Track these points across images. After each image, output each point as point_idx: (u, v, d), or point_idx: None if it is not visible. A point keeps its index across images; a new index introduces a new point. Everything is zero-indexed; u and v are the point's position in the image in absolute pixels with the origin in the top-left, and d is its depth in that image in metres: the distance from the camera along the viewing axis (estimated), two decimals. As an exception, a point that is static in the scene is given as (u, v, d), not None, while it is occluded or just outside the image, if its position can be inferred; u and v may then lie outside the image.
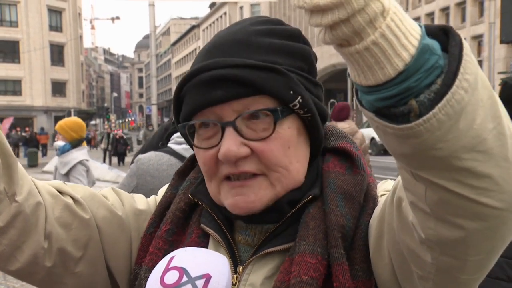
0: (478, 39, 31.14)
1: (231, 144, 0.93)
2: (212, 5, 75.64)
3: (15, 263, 0.99)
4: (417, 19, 35.13)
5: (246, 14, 58.62)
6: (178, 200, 1.11)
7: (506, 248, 0.79)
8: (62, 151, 5.04)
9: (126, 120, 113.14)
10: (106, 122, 59.31)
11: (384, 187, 1.06)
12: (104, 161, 25.06)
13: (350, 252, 0.94)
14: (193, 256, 0.92)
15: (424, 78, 0.66)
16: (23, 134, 35.03)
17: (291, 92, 0.94)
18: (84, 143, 5.40)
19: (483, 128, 0.66)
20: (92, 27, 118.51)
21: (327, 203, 0.96)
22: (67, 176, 4.94)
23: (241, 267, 1.00)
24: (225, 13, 67.61)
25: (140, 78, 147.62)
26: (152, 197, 1.23)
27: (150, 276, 0.91)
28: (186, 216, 1.10)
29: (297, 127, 0.98)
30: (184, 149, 2.76)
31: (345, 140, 1.06)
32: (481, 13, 30.83)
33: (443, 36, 0.68)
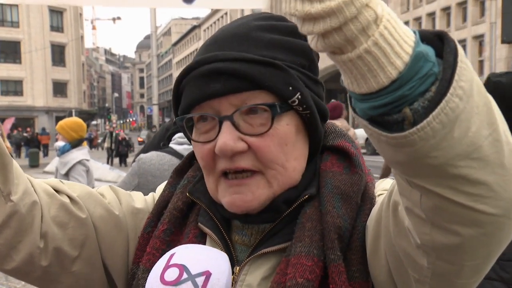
0: (479, 39, 31.09)
1: (228, 138, 0.93)
2: (213, 5, 75.60)
3: (11, 263, 0.99)
4: (418, 19, 35.15)
5: (247, 14, 58.48)
6: (176, 199, 1.10)
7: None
8: (62, 151, 5.05)
9: (127, 120, 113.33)
10: (107, 123, 59.39)
11: (382, 186, 1.05)
12: (108, 161, 25.02)
13: (347, 253, 0.94)
14: (193, 253, 0.92)
15: (418, 86, 0.64)
16: (25, 134, 35.10)
17: (290, 88, 0.93)
18: (85, 143, 5.40)
19: (478, 135, 0.65)
20: (93, 28, 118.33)
21: (324, 204, 0.96)
22: (66, 176, 4.95)
23: (237, 268, 1.00)
24: (226, 13, 67.64)
25: (141, 79, 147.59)
26: (150, 194, 1.22)
27: (150, 273, 0.91)
28: (184, 215, 1.09)
29: (296, 124, 0.97)
30: (185, 150, 2.76)
31: (344, 138, 1.05)
32: (482, 13, 30.78)
33: (438, 41, 0.67)
